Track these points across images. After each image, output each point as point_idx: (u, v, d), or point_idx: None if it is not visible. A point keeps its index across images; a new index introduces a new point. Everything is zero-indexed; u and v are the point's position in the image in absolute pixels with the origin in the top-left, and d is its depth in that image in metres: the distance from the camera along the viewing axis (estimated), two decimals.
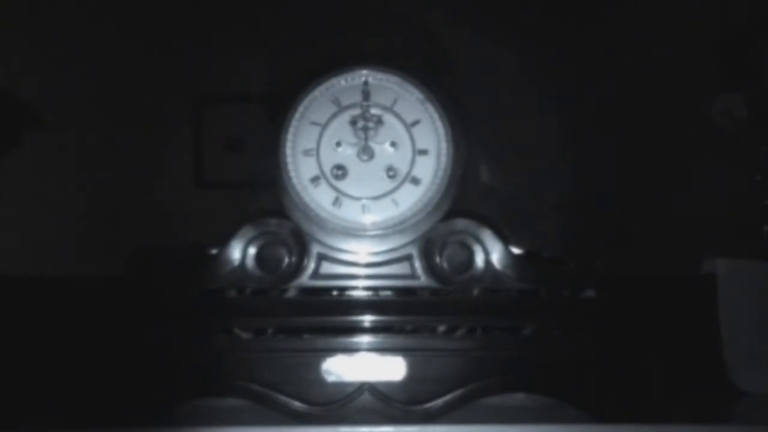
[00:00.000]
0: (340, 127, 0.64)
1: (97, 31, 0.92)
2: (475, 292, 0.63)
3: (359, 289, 0.63)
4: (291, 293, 0.63)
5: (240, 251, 0.63)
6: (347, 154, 0.64)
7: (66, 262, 0.86)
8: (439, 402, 0.61)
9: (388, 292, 0.63)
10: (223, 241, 0.63)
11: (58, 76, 0.91)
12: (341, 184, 0.64)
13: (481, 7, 0.92)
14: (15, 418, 0.62)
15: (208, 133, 0.93)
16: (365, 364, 0.61)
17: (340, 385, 0.61)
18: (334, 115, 0.64)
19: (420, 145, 0.64)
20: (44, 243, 0.88)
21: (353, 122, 0.64)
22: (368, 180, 0.64)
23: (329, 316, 0.62)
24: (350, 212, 0.64)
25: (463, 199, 0.64)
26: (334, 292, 0.63)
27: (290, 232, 0.63)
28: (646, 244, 0.89)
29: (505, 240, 0.64)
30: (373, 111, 0.64)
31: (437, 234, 0.64)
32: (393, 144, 0.64)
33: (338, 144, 0.64)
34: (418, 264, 0.64)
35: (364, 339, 0.61)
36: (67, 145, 0.91)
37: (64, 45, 0.92)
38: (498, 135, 0.91)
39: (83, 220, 0.90)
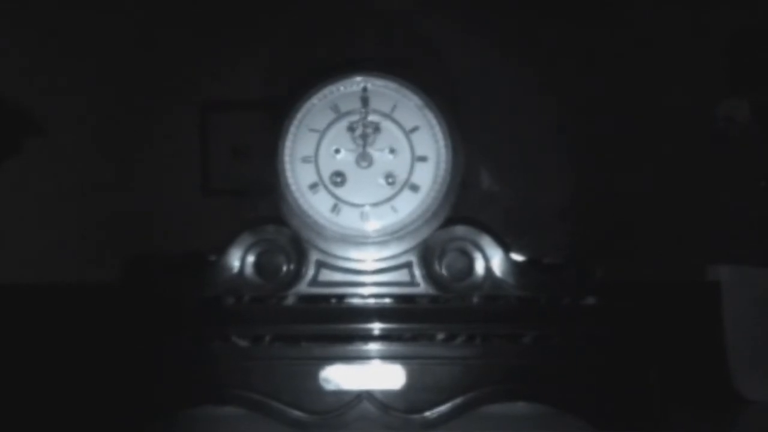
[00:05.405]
0: (339, 133, 0.64)
1: (102, 39, 0.92)
2: (475, 299, 0.63)
3: (358, 297, 0.63)
4: (289, 301, 0.63)
5: (238, 258, 0.63)
6: (346, 160, 0.64)
7: (71, 270, 0.86)
8: (438, 410, 0.60)
9: (387, 300, 0.63)
10: (222, 248, 0.63)
11: (64, 83, 0.91)
12: (340, 191, 0.64)
13: (480, 13, 0.92)
14: (12, 427, 0.62)
15: (215, 140, 0.94)
16: (364, 372, 0.61)
17: (339, 394, 0.60)
18: (332, 122, 0.64)
19: (419, 152, 0.64)
20: (49, 250, 0.89)
21: (352, 129, 0.64)
22: (367, 187, 0.64)
23: (328, 323, 0.62)
24: (349, 219, 0.64)
25: (462, 206, 0.64)
26: (333, 300, 0.63)
27: (289, 239, 0.63)
28: (648, 251, 0.88)
29: (505, 247, 0.64)
30: (372, 118, 0.64)
31: (436, 241, 0.63)
32: (392, 150, 0.64)
33: (337, 151, 0.64)
34: (417, 271, 0.63)
35: (363, 347, 0.61)
36: (73, 153, 0.91)
37: (68, 52, 0.92)
38: (497, 141, 0.90)
39: (89, 228, 0.91)
